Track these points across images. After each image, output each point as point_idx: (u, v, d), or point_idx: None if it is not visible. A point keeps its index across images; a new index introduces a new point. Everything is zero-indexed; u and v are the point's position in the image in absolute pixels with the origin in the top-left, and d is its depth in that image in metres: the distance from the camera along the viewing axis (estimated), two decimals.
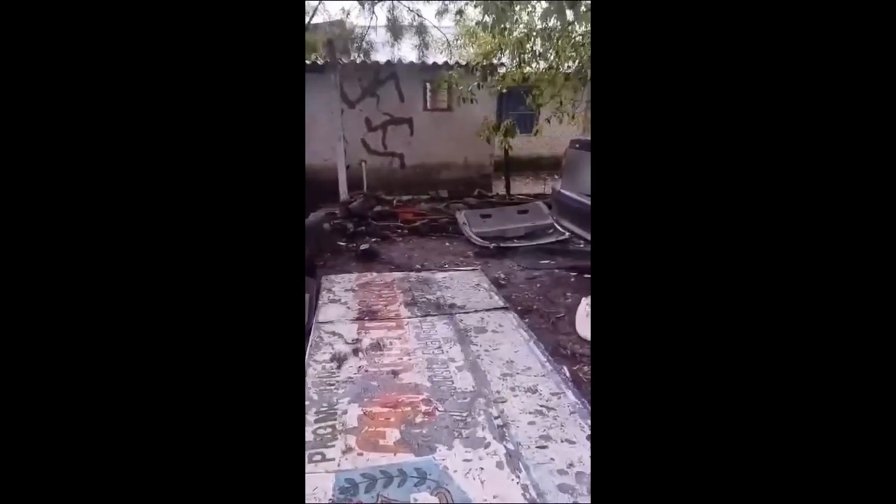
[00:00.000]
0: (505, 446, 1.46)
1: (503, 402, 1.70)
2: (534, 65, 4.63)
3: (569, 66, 4.68)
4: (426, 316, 2.47)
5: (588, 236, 2.74)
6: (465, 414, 1.63)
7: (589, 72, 4.35)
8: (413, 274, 3.16)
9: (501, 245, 3.73)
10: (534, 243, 3.79)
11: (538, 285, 2.98)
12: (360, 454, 1.42)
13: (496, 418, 1.60)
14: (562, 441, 1.49)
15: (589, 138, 3.52)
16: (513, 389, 1.78)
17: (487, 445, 1.47)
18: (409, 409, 1.66)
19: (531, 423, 1.58)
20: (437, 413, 1.63)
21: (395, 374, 1.90)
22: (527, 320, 2.43)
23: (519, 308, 2.59)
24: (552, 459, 1.40)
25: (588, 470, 1.36)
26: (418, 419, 1.60)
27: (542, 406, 1.67)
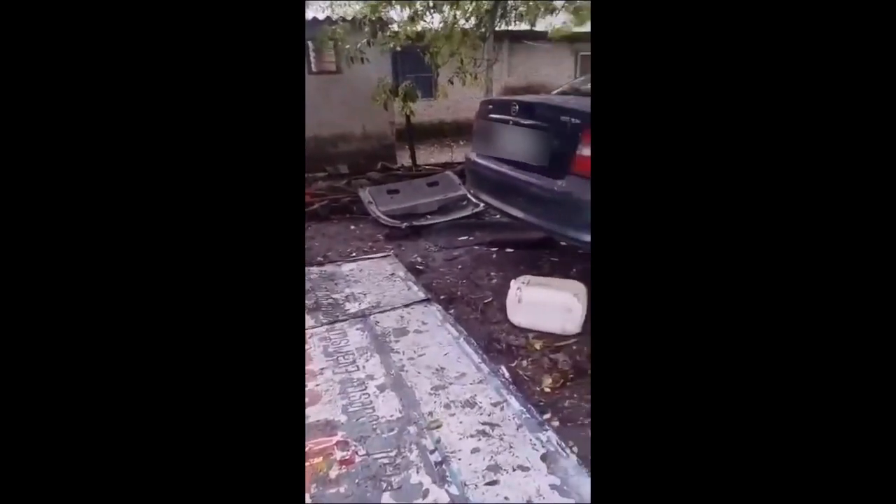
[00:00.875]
0: (447, 490, 1.17)
1: (438, 427, 1.40)
2: (428, 18, 4.18)
3: (465, 21, 4.31)
4: (334, 322, 2.05)
5: (506, 208, 2.49)
6: (392, 453, 1.30)
7: (488, 26, 4.03)
8: (314, 269, 2.68)
9: (414, 224, 3.37)
10: (448, 218, 3.49)
11: (459, 267, 2.70)
12: None
13: (432, 452, 1.30)
14: (514, 469, 1.24)
15: (501, 98, 3.24)
16: (448, 407, 1.49)
17: (426, 494, 1.17)
18: (319, 459, 1.28)
19: (475, 450, 1.31)
20: (358, 458, 1.28)
21: None
22: (452, 311, 2.14)
23: (442, 297, 2.29)
24: (506, 498, 1.15)
25: (549, 502, 1.14)
26: (333, 473, 1.24)
27: (484, 424, 1.41)
